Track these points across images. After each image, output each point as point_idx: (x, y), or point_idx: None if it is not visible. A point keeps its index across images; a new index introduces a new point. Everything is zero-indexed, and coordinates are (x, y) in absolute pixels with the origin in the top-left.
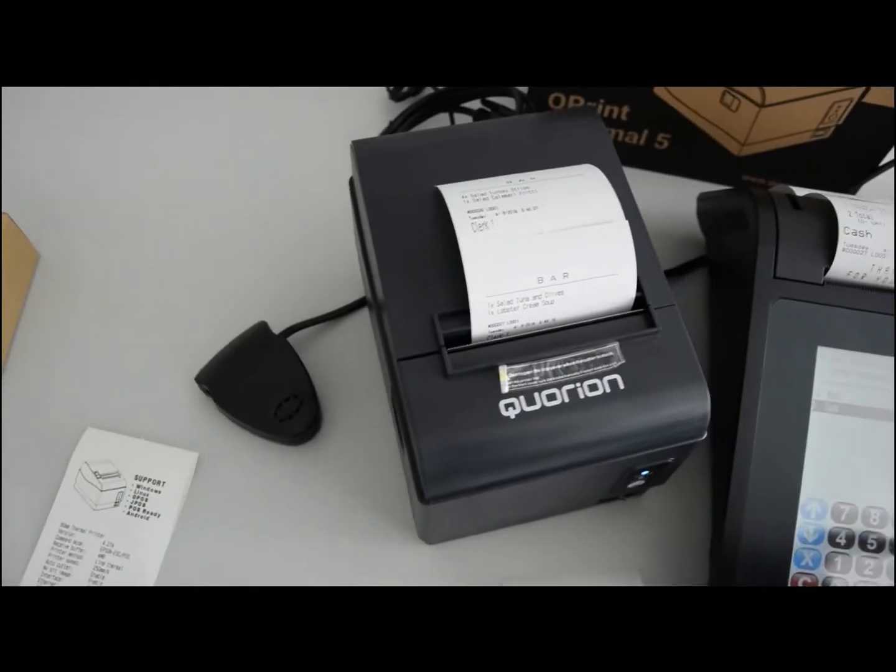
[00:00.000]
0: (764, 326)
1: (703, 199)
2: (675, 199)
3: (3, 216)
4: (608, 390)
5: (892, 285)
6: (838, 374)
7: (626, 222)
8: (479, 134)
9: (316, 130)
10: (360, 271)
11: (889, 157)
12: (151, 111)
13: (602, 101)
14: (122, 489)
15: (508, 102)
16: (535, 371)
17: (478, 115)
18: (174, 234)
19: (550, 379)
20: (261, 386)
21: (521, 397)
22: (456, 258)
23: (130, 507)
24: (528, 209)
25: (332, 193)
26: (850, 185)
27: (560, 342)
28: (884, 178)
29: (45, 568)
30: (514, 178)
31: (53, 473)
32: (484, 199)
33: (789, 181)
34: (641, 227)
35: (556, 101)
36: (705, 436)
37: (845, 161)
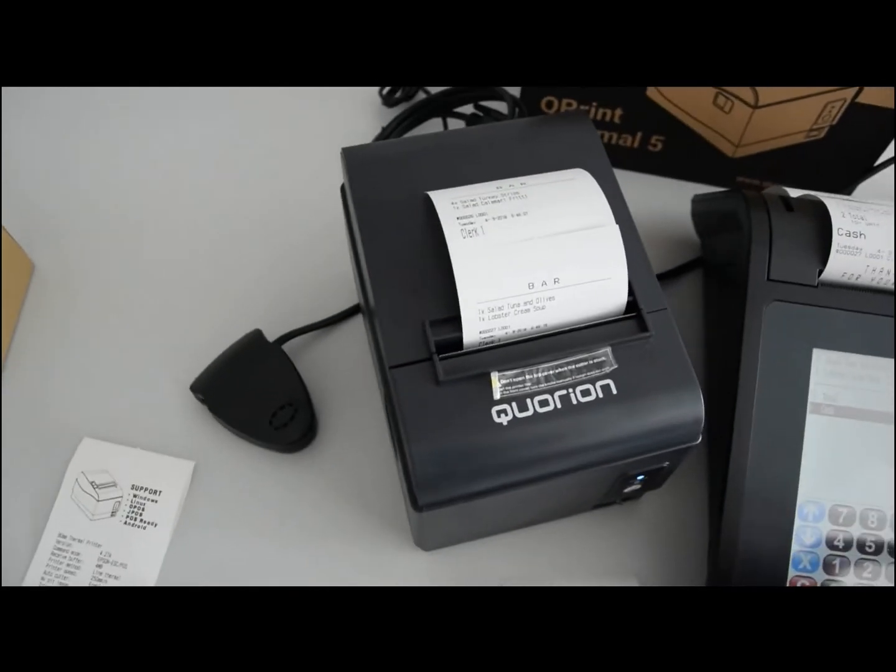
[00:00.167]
0: (758, 329)
1: (697, 201)
2: (670, 201)
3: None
4: (601, 395)
5: (887, 286)
6: (834, 376)
7: (617, 226)
8: (469, 139)
9: (309, 137)
10: (354, 278)
11: (884, 157)
12: (142, 116)
13: (595, 104)
14: (119, 499)
15: (501, 107)
16: (528, 377)
17: (471, 120)
18: (168, 243)
19: (543, 385)
20: (256, 394)
21: (514, 403)
22: (447, 264)
23: (127, 516)
24: (518, 214)
25: (326, 200)
26: (845, 186)
27: (552, 348)
28: (879, 178)
29: (42, 578)
30: (504, 183)
31: (50, 483)
32: (473, 204)
33: (784, 182)
34: (633, 230)
35: (549, 104)
36: (700, 440)
37: (840, 161)
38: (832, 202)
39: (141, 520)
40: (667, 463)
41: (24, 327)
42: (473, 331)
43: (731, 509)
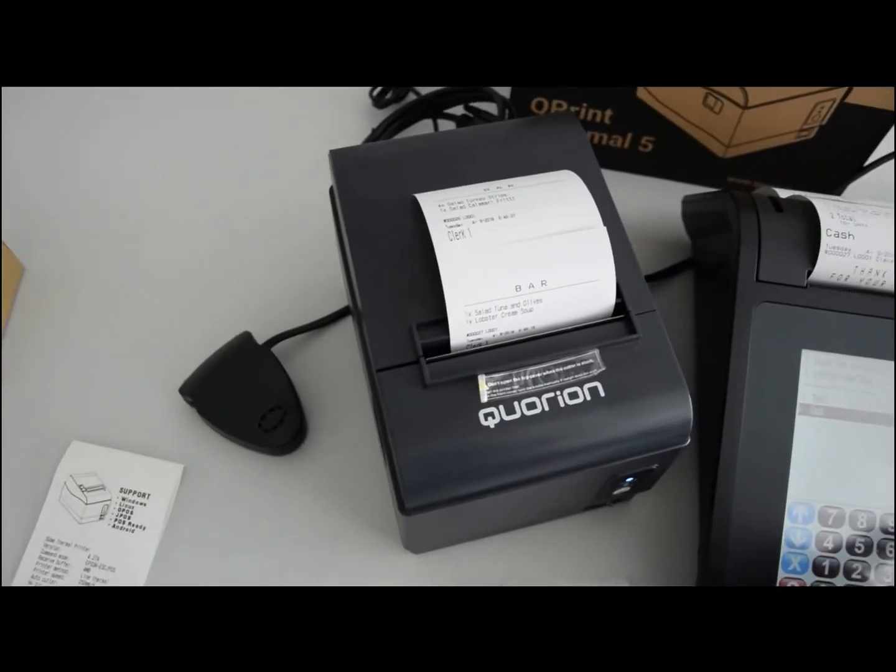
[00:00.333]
0: (747, 330)
1: (687, 201)
2: (661, 201)
3: None
4: (589, 398)
5: (876, 287)
6: (823, 377)
7: (605, 228)
8: (458, 141)
9: (298, 139)
10: (343, 280)
11: (873, 157)
12: (131, 119)
13: (585, 105)
14: (108, 502)
15: (492, 108)
16: (515, 380)
17: (461, 121)
18: (157, 246)
19: (530, 388)
20: (245, 397)
21: (501, 406)
22: (434, 267)
23: (116, 520)
24: (506, 217)
25: (315, 202)
26: (835, 186)
27: (539, 350)
28: (870, 178)
29: (30, 582)
30: (492, 185)
31: (38, 487)
32: (461, 207)
33: (775, 182)
34: (621, 232)
35: (539, 105)
36: (688, 441)
37: (830, 162)
38: (821, 203)
39: (129, 523)
40: (656, 465)
41: (13, 330)
42: (460, 333)
43: (721, 511)
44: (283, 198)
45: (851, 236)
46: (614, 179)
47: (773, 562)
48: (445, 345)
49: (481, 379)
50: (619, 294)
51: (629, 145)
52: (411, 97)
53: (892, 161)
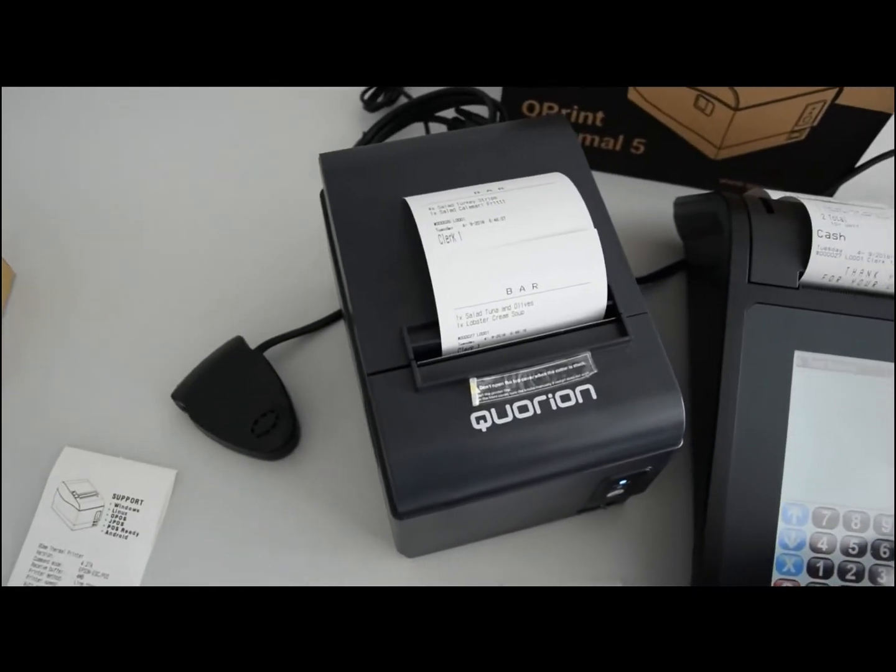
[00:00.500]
0: (740, 331)
1: (679, 203)
2: (654, 203)
3: None
4: (581, 401)
5: (867, 288)
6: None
7: (595, 231)
8: (448, 144)
9: (290, 143)
10: (335, 284)
11: (865, 158)
12: (122, 122)
13: (576, 107)
14: (100, 508)
15: (483, 111)
16: (507, 383)
17: (452, 124)
18: (148, 251)
19: (522, 391)
20: (237, 401)
21: (493, 410)
22: (424, 270)
23: (109, 526)
24: (496, 220)
25: (307, 206)
26: (827, 187)
27: (531, 353)
28: (861, 179)
29: None
30: (483, 188)
31: (31, 493)
32: (451, 210)
33: (767, 184)
34: (612, 234)
35: (531, 108)
36: (681, 444)
37: (821, 163)
38: (812, 204)
39: (122, 529)
40: (649, 467)
41: (5, 336)
42: (452, 337)
43: (715, 513)
44: (274, 201)
45: (843, 237)
46: (606, 181)
47: (767, 563)
48: (437, 348)
49: (473, 382)
50: (610, 296)
51: (621, 147)
52: (402, 100)
53: (884, 162)
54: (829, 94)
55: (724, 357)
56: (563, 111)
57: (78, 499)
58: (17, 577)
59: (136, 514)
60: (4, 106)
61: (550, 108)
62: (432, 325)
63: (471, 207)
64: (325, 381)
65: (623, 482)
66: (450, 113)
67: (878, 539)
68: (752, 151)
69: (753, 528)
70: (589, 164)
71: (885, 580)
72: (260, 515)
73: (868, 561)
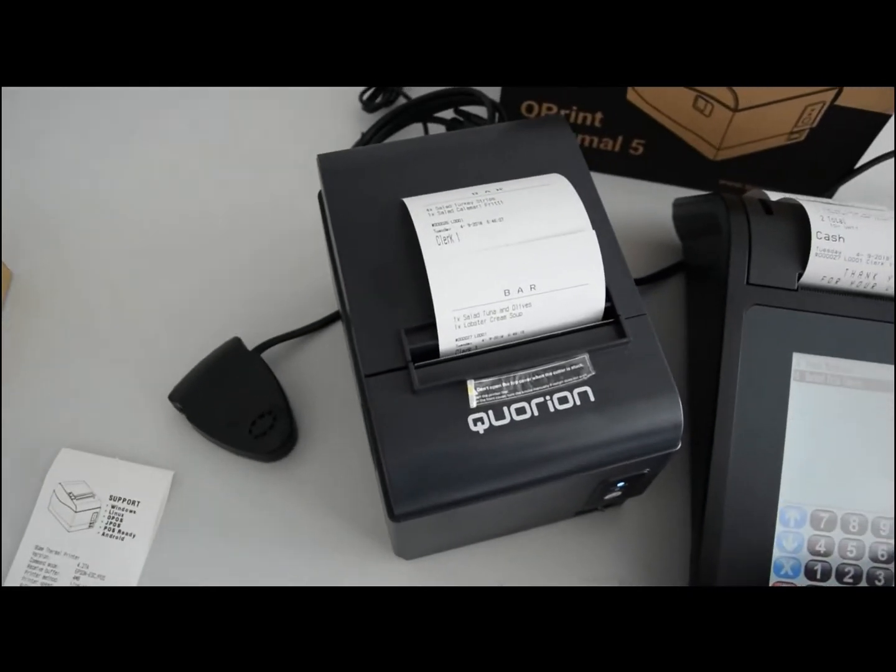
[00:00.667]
0: (738, 333)
1: (678, 204)
2: (653, 204)
3: None
4: (578, 403)
5: (866, 290)
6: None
7: (594, 232)
8: (447, 144)
9: (289, 143)
10: (333, 285)
11: (864, 159)
12: (118, 121)
13: (575, 108)
14: (97, 510)
15: (481, 112)
16: (504, 385)
17: (451, 125)
18: (145, 251)
19: (519, 392)
20: (235, 403)
21: (490, 412)
22: (422, 272)
23: (105, 527)
24: (494, 221)
25: (305, 207)
26: (826, 189)
27: (529, 355)
28: (860, 181)
29: None
30: (481, 189)
31: (27, 495)
32: (449, 211)
33: (766, 185)
34: (610, 235)
35: (529, 108)
36: (679, 446)
37: (821, 164)
38: (811, 205)
39: (119, 531)
40: (647, 470)
41: (2, 336)
42: (449, 338)
43: (713, 516)
44: (273, 202)
45: (842, 239)
46: (605, 182)
47: (765, 566)
48: (434, 350)
49: (470, 384)
50: (608, 298)
51: (620, 148)
52: (401, 101)
53: (883, 164)
54: (829, 95)
55: (722, 359)
56: (562, 112)
57: (75, 500)
58: (13, 579)
59: (132, 515)
60: None
61: (549, 108)
62: (430, 327)
63: (469, 208)
64: (323, 383)
65: (621, 484)
66: (448, 113)
67: (877, 542)
68: (751, 152)
69: (751, 531)
70: (588, 164)
71: (884, 583)
72: (257, 517)
73: (866, 564)
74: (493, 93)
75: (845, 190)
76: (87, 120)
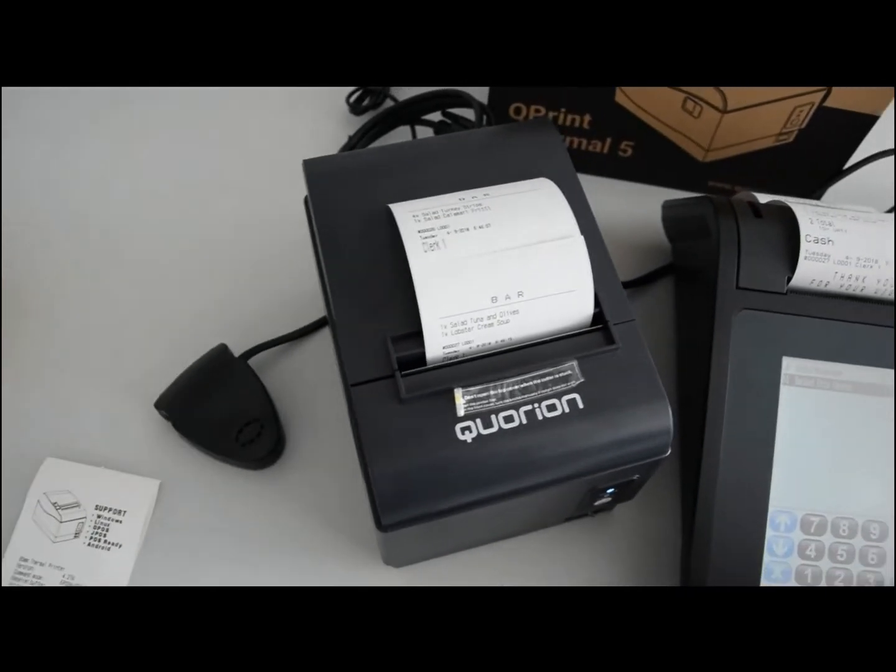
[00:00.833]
0: (727, 337)
1: (667, 206)
2: (643, 206)
3: None
4: (567, 410)
5: (855, 293)
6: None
7: (582, 238)
8: (433, 149)
9: (275, 147)
10: (321, 291)
11: (853, 160)
12: (102, 124)
13: (563, 110)
14: (83, 520)
15: (469, 114)
16: (492, 393)
17: (439, 128)
18: (130, 258)
19: (507, 400)
20: (221, 410)
21: (478, 420)
22: (409, 279)
23: (91, 537)
24: (481, 227)
25: (292, 212)
26: (815, 190)
27: (517, 362)
28: (849, 182)
29: None
30: (467, 194)
31: (11, 505)
32: (435, 217)
33: (756, 186)
34: (599, 240)
35: (517, 111)
36: (669, 452)
37: (810, 165)
38: (800, 208)
39: (105, 541)
40: (636, 476)
41: None
42: (436, 346)
43: (703, 521)
44: (259, 206)
45: (831, 242)
46: (594, 184)
47: (755, 571)
48: (421, 358)
49: (457, 392)
50: (597, 304)
51: (609, 150)
52: (388, 103)
53: (871, 165)
54: (817, 96)
55: (712, 362)
56: (551, 114)
57: (60, 510)
58: None
59: (118, 525)
60: None
61: (537, 110)
62: (416, 335)
63: (455, 214)
64: (311, 390)
65: (610, 491)
66: (436, 116)
67: (867, 545)
68: (740, 154)
69: (741, 535)
70: (577, 166)
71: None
72: (244, 526)
73: (856, 567)
74: (482, 93)
75: (834, 191)
76: (68, 125)
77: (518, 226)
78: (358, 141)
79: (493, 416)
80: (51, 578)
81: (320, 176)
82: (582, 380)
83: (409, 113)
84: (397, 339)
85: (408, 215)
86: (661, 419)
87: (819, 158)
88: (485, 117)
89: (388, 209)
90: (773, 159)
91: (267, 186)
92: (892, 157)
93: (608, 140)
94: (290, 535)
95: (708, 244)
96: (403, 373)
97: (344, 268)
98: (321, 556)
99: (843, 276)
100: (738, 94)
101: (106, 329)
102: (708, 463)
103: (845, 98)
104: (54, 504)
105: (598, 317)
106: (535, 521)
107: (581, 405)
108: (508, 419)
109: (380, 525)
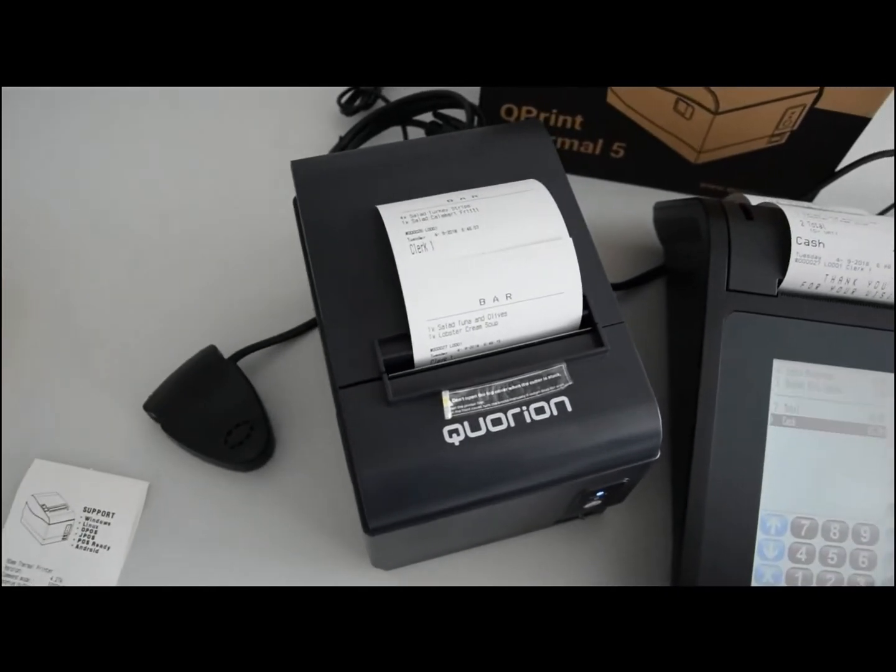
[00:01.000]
0: (718, 340)
1: (658, 208)
2: (635, 208)
3: None
4: (555, 413)
5: (846, 295)
6: (795, 386)
7: (571, 240)
8: (423, 150)
9: (266, 147)
10: (310, 292)
11: (844, 162)
12: (90, 124)
13: (555, 111)
14: (71, 522)
15: (461, 115)
16: (480, 395)
17: (430, 129)
18: (119, 259)
19: (495, 403)
20: (210, 412)
21: (466, 423)
22: (396, 281)
23: (79, 540)
24: (469, 228)
25: (282, 212)
26: (807, 191)
27: (505, 365)
28: (841, 184)
29: None
30: (456, 195)
31: None
32: (423, 219)
33: (747, 188)
34: (588, 242)
35: (509, 112)
36: (658, 455)
37: (802, 167)
38: (791, 210)
39: (93, 543)
40: (626, 479)
41: None
42: (424, 348)
43: (693, 523)
44: (249, 207)
45: (822, 244)
46: (586, 186)
47: (746, 574)
48: (409, 360)
49: (445, 395)
50: (586, 306)
51: (600, 151)
52: (380, 104)
53: (863, 167)
54: (809, 98)
55: (702, 365)
56: (542, 115)
57: (48, 512)
58: None
59: (107, 527)
60: None
61: (529, 111)
62: (404, 337)
63: (443, 216)
64: (300, 391)
65: (600, 493)
66: (427, 117)
67: (857, 548)
68: (732, 155)
69: (732, 539)
70: (568, 167)
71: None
72: (233, 528)
73: (847, 571)
74: (473, 93)
75: (826, 193)
76: (59, 126)
77: (506, 227)
78: (349, 141)
79: (480, 419)
80: (39, 581)
81: (309, 177)
82: (571, 382)
83: (401, 113)
84: (385, 342)
85: (396, 217)
86: (650, 422)
87: (811, 160)
88: (476, 118)
89: (377, 211)
90: (765, 161)
91: (258, 187)
92: (886, 159)
93: (600, 141)
94: (279, 537)
95: (699, 246)
96: (391, 375)
97: (332, 270)
98: (310, 558)
99: (833, 279)
100: (729, 96)
101: (93, 329)
102: (698, 465)
103: (837, 100)
104: (42, 506)
105: (588, 319)
106: (525, 524)
107: (570, 408)
108: (496, 422)
109: (367, 528)
